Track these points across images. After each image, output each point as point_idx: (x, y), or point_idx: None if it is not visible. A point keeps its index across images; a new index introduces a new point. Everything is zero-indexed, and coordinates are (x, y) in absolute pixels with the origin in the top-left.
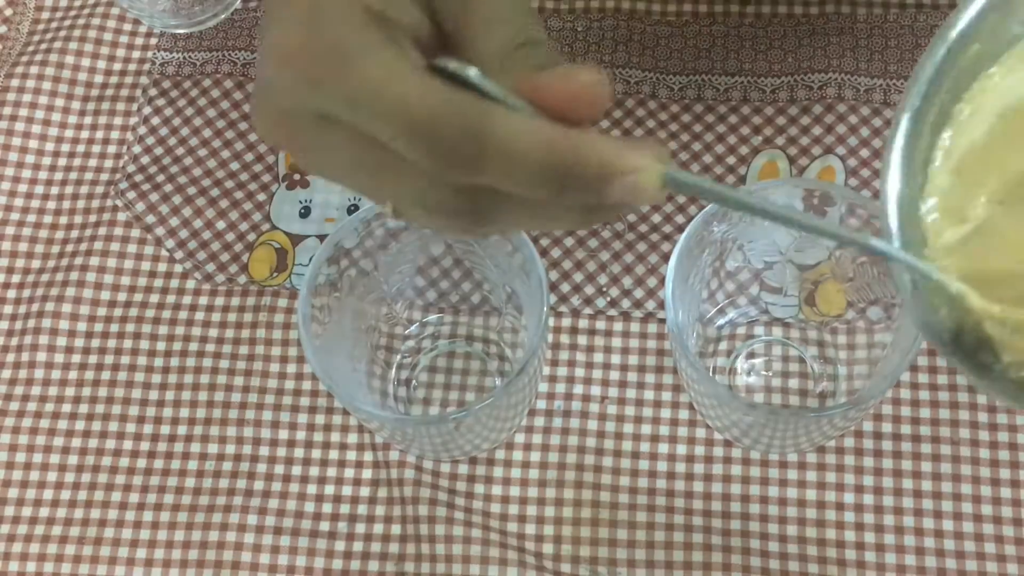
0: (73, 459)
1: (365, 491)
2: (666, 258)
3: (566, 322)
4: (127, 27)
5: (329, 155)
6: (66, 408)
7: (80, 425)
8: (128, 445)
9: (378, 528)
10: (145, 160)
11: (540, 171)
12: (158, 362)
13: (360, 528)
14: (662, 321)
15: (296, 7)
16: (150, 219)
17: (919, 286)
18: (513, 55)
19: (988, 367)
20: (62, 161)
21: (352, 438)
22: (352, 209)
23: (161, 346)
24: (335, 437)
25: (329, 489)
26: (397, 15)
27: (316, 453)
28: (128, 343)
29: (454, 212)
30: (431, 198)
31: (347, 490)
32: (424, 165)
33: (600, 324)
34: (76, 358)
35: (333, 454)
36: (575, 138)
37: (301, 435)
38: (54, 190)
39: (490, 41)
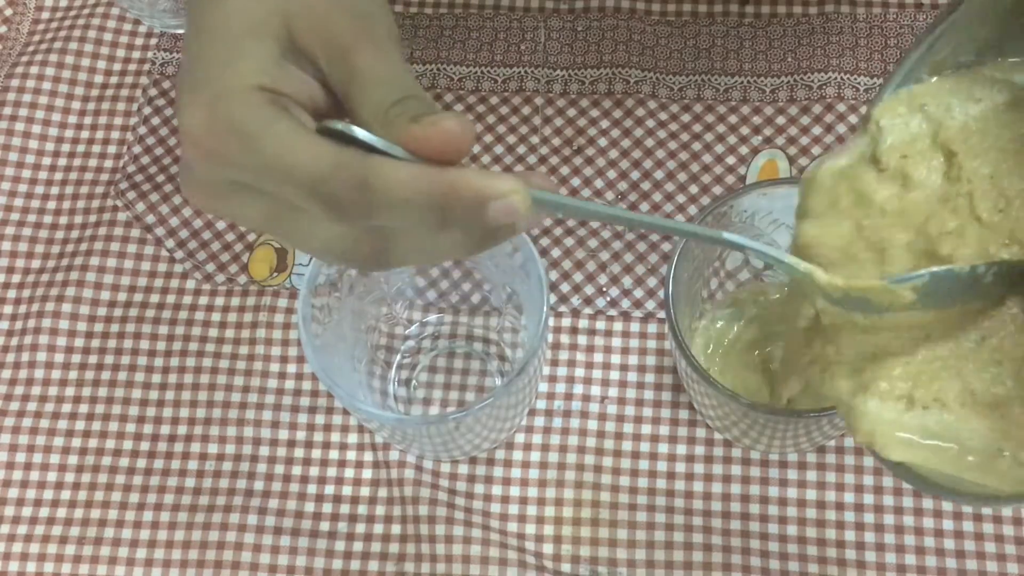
0: (73, 459)
1: (365, 491)
2: (666, 258)
3: (566, 322)
4: (127, 27)
5: (249, 214)
6: (66, 408)
7: (80, 425)
8: (128, 445)
9: (378, 528)
10: (145, 160)
11: (422, 206)
12: (158, 362)
13: (360, 528)
14: (662, 321)
15: (200, 92)
16: (150, 219)
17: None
18: (390, 111)
19: None
20: (62, 161)
21: (352, 438)
22: None
23: (161, 346)
24: (335, 437)
25: (329, 489)
26: (289, 89)
27: (316, 453)
28: (128, 343)
29: (359, 254)
30: (339, 244)
31: (347, 490)
32: (323, 216)
33: (600, 324)
34: (76, 358)
35: (333, 454)
36: (448, 174)
37: (301, 435)
38: (54, 190)
39: (370, 101)
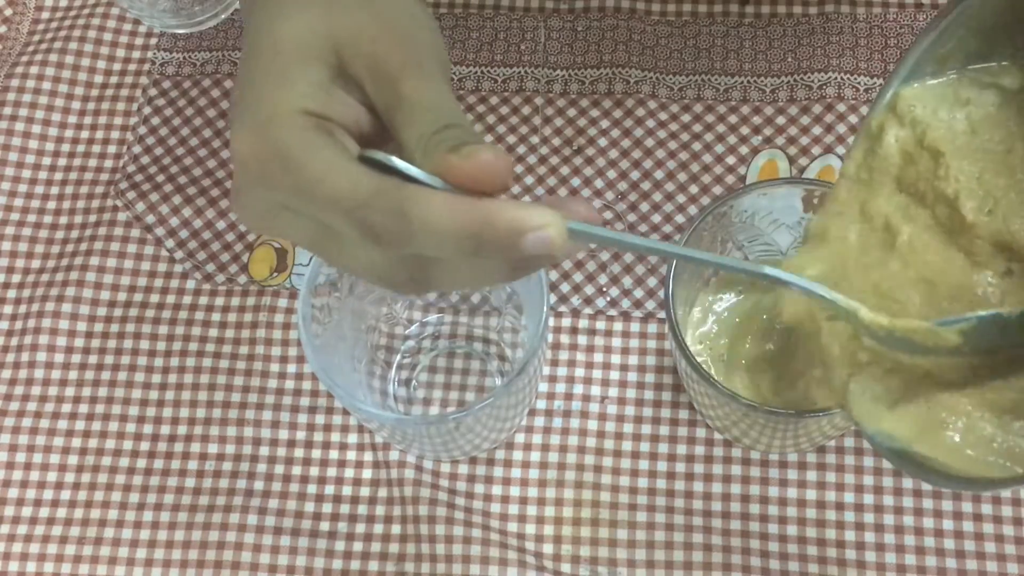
0: (73, 459)
1: (365, 491)
2: (666, 258)
3: (566, 322)
4: (127, 27)
5: (297, 235)
6: (66, 408)
7: (80, 425)
8: (128, 445)
9: (378, 528)
10: (145, 160)
11: (457, 237)
12: (158, 362)
13: (360, 528)
14: (662, 321)
15: (249, 113)
16: (150, 219)
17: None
18: (431, 140)
19: None
20: (62, 161)
21: (352, 438)
22: None
23: (161, 346)
24: (335, 437)
25: (329, 489)
26: (335, 114)
27: (316, 453)
28: (128, 343)
29: (399, 278)
30: (377, 268)
31: (347, 490)
32: (363, 243)
33: (600, 324)
34: (76, 358)
35: (333, 454)
36: (484, 206)
37: (301, 435)
38: (54, 190)
39: (414, 128)
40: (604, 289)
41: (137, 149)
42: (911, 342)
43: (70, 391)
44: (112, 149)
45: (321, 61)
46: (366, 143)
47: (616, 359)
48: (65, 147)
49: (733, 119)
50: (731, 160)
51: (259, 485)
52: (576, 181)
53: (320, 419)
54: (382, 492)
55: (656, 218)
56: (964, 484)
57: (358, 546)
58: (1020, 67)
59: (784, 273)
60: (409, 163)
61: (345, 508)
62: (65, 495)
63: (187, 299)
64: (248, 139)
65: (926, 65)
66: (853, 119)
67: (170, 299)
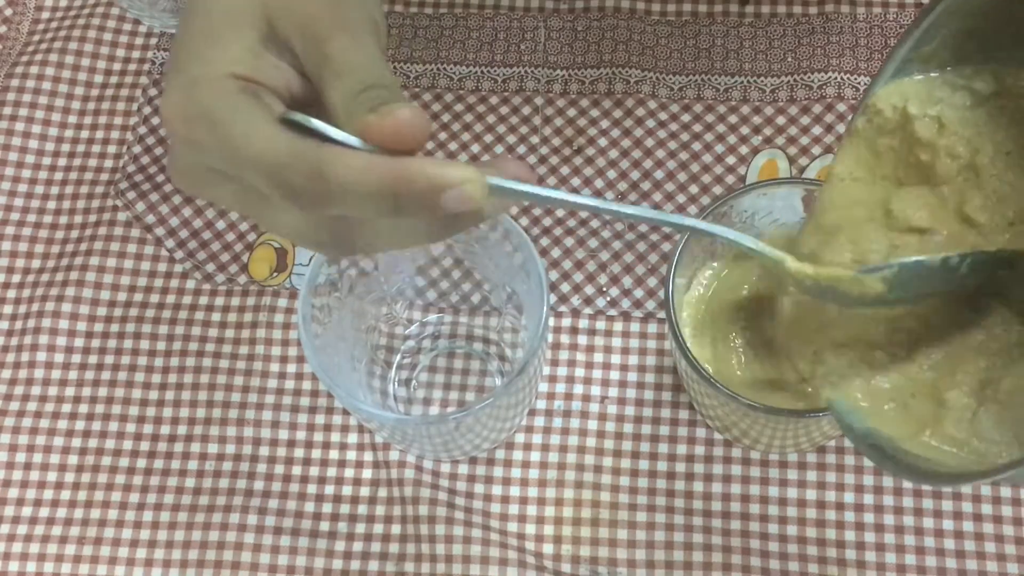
0: (73, 459)
1: (365, 491)
2: (666, 258)
3: (566, 322)
4: (127, 27)
5: (225, 198)
6: (66, 408)
7: (80, 425)
8: (128, 445)
9: (378, 528)
10: (145, 160)
11: (375, 196)
12: (158, 362)
13: (360, 528)
14: (662, 321)
15: (179, 76)
16: (150, 219)
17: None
18: (354, 101)
19: None
20: (62, 161)
21: (352, 438)
22: None
23: (161, 346)
24: (335, 437)
25: (329, 489)
26: (264, 77)
27: (316, 453)
28: (128, 343)
29: (323, 240)
30: (302, 230)
31: (347, 490)
32: (285, 204)
33: (600, 324)
34: (76, 358)
35: (333, 454)
36: (401, 164)
37: (301, 435)
38: (54, 190)
39: (338, 90)
40: (604, 289)
41: (137, 149)
42: (837, 291)
43: (70, 391)
44: (112, 149)
45: (251, 25)
46: (298, 107)
47: (616, 359)
48: (65, 147)
49: (733, 119)
50: (731, 160)
51: (259, 485)
52: (576, 181)
53: (320, 419)
54: (382, 492)
55: None
56: (926, 477)
57: (358, 546)
58: (993, 72)
59: (707, 224)
60: (334, 125)
61: (345, 508)
62: (65, 495)
63: (187, 299)
64: (176, 101)
65: (911, 65)
66: None
67: (170, 299)
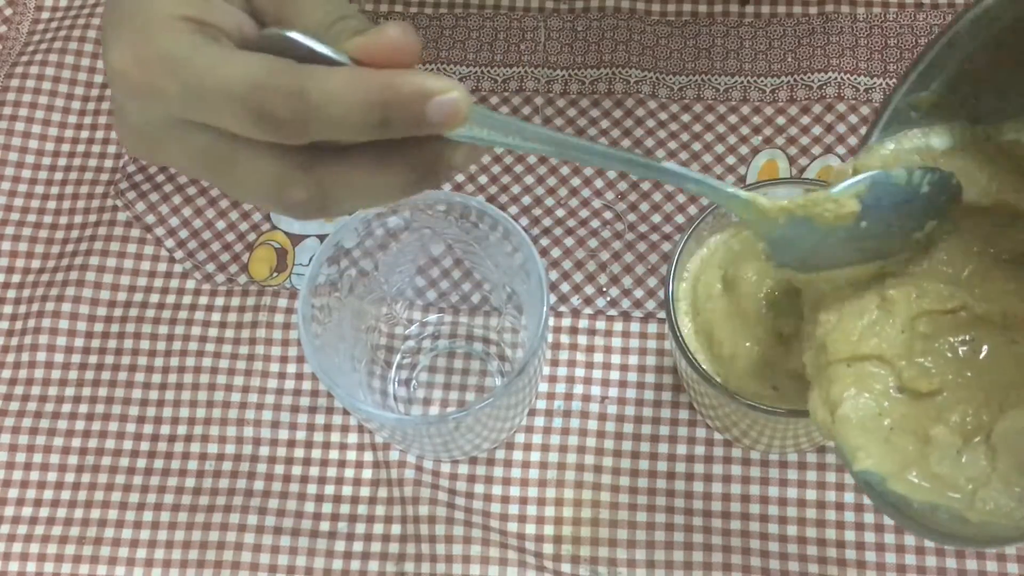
0: (73, 459)
1: (365, 491)
2: (666, 258)
3: (566, 322)
4: None
5: (187, 156)
6: (66, 408)
7: (80, 425)
8: (128, 445)
9: (378, 528)
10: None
11: (362, 109)
12: (158, 362)
13: (360, 528)
14: (662, 321)
15: (124, 28)
16: (150, 219)
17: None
18: (332, 29)
19: None
20: (62, 161)
21: (352, 438)
22: None
23: (161, 346)
24: (335, 437)
25: (329, 489)
26: (214, 19)
27: (316, 453)
28: (128, 343)
29: (296, 196)
30: (272, 185)
31: (347, 490)
32: (261, 134)
33: (600, 324)
34: (76, 358)
35: (333, 454)
36: (387, 74)
37: (301, 435)
38: (54, 190)
39: (308, 21)
40: (604, 289)
41: None
42: (813, 223)
43: (70, 391)
44: (112, 149)
45: None
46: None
47: (616, 359)
48: (65, 147)
49: (733, 119)
50: (731, 160)
51: (259, 485)
52: (576, 181)
53: (320, 419)
54: (382, 492)
55: (656, 218)
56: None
57: (358, 546)
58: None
59: (681, 169)
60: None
61: (345, 508)
62: (65, 495)
63: (187, 299)
64: (127, 49)
65: (904, 112)
66: (853, 119)
67: (170, 299)
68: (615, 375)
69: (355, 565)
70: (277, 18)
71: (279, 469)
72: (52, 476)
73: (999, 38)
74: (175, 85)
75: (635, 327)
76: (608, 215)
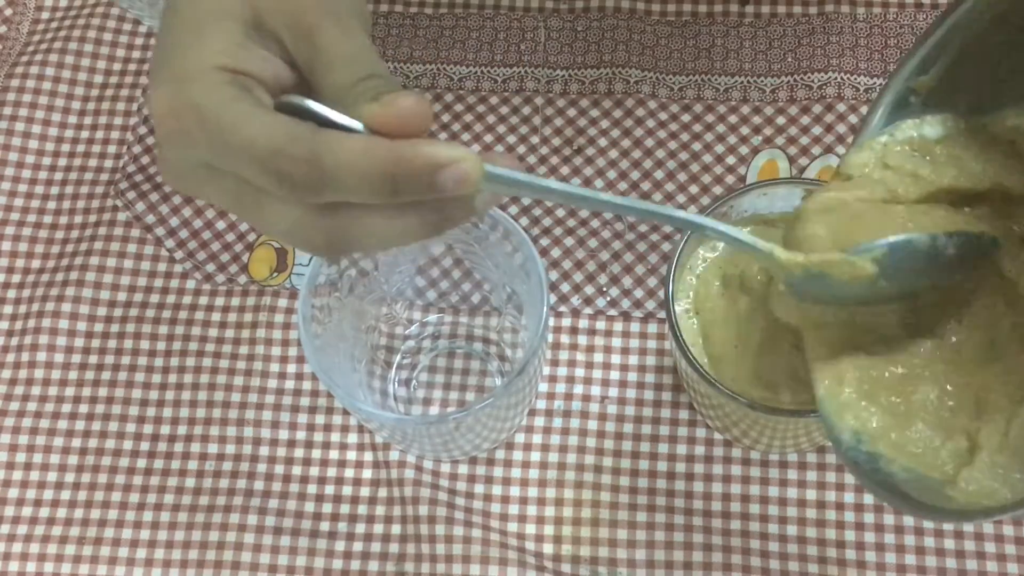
0: (73, 459)
1: (365, 491)
2: (666, 258)
3: (566, 322)
4: (127, 27)
5: (218, 195)
6: (66, 408)
7: (80, 425)
8: (128, 445)
9: (378, 528)
10: (145, 160)
11: (373, 178)
12: (158, 362)
13: (360, 528)
14: (662, 321)
15: (164, 74)
16: (150, 219)
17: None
18: (352, 91)
19: None
20: (62, 161)
21: (352, 438)
22: None
23: (161, 346)
24: (335, 437)
25: (329, 489)
26: (252, 69)
27: (316, 453)
28: (128, 343)
29: (317, 240)
30: (296, 229)
31: (347, 490)
32: (280, 193)
33: (600, 324)
34: (76, 358)
35: (333, 454)
36: (399, 145)
37: (301, 435)
38: (54, 190)
39: (334, 80)
40: (604, 289)
41: (137, 149)
42: (829, 279)
43: (70, 391)
44: (112, 149)
45: (236, 17)
46: None
47: (616, 359)
48: (65, 147)
49: (733, 119)
50: (731, 160)
51: (259, 485)
52: (576, 181)
53: (320, 419)
54: (382, 492)
55: None
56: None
57: (358, 546)
58: (945, 118)
59: (700, 218)
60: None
61: (345, 508)
62: (65, 495)
63: (187, 299)
64: (164, 96)
65: (903, 96)
66: (853, 119)
67: (170, 299)
68: (615, 375)
69: (355, 565)
70: (309, 69)
71: (279, 469)
72: (52, 476)
73: (999, 22)
74: (204, 136)
75: (635, 327)
76: (608, 215)
